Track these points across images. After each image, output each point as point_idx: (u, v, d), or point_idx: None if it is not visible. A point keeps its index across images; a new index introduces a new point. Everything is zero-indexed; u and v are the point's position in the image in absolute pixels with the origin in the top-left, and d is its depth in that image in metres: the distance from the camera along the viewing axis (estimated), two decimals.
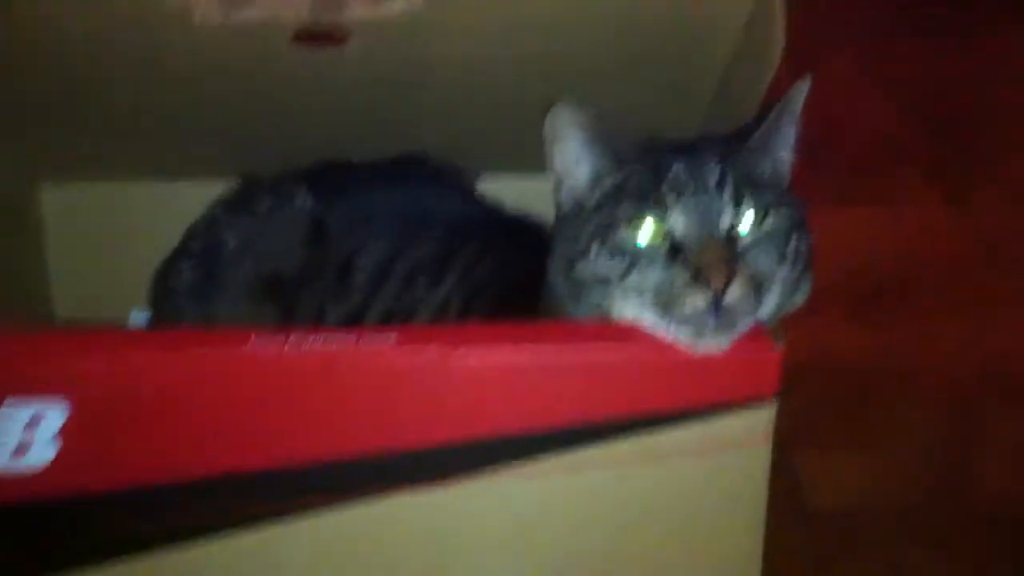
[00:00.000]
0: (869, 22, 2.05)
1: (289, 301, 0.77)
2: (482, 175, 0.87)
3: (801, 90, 0.67)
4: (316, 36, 0.68)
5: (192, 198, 0.86)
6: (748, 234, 0.65)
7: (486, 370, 0.65)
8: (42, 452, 0.65)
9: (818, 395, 1.02)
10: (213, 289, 0.78)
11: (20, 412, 0.65)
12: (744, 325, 0.64)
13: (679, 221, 0.64)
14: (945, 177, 1.46)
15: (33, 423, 0.65)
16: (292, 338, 0.64)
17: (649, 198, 0.65)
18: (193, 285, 0.80)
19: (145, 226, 0.91)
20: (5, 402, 0.65)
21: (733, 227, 0.65)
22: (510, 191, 0.88)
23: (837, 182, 1.44)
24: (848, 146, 1.54)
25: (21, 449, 0.65)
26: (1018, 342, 1.12)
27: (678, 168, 0.65)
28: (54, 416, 0.65)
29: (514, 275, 0.75)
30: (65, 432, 0.65)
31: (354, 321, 0.76)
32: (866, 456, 0.98)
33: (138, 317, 0.96)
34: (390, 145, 0.83)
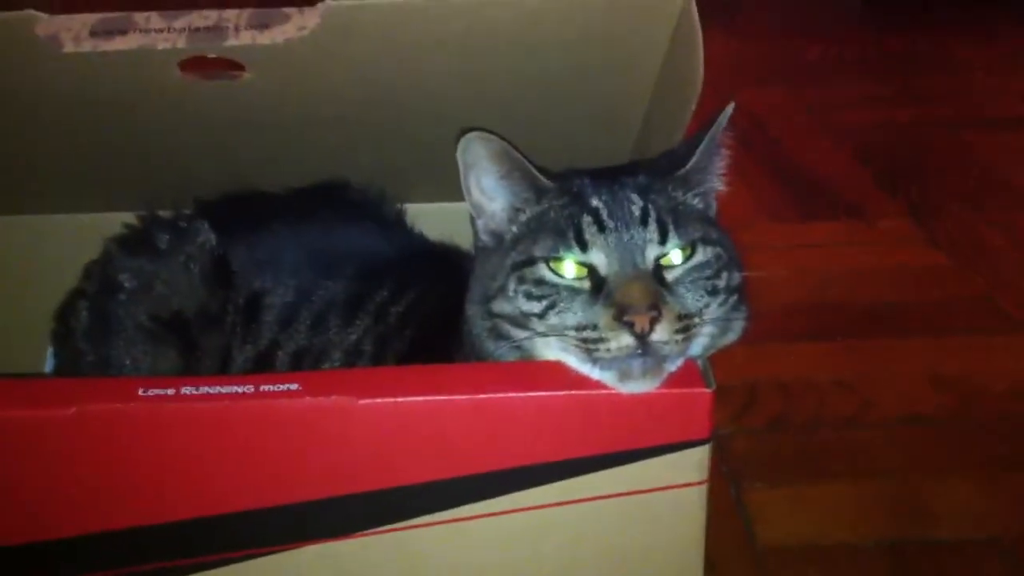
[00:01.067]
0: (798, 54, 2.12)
1: (191, 342, 0.72)
2: (403, 204, 0.83)
3: (726, 115, 0.63)
4: (204, 67, 0.64)
5: (97, 230, 0.81)
6: (675, 270, 0.61)
7: (393, 418, 0.60)
8: None
9: (773, 419, 0.98)
10: (109, 331, 0.73)
11: None
12: (673, 364, 0.60)
13: (600, 257, 0.60)
14: (905, 194, 1.45)
15: None
16: (185, 388, 0.60)
17: (569, 233, 0.61)
18: (89, 326, 0.75)
19: (51, 257, 0.86)
20: None
21: (659, 262, 0.61)
22: (437, 216, 0.84)
23: (799, 200, 1.43)
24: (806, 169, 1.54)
25: None
26: (975, 364, 1.09)
27: (599, 201, 0.61)
28: None
29: (432, 313, 0.71)
30: None
31: (263, 363, 0.71)
32: (820, 487, 0.94)
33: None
34: (309, 174, 0.79)
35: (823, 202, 1.45)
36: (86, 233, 0.79)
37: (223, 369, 0.72)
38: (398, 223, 0.84)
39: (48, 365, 0.94)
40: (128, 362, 0.72)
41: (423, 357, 0.67)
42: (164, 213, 0.78)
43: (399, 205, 0.83)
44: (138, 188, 0.77)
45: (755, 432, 0.94)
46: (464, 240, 0.79)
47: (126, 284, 0.74)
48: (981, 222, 1.38)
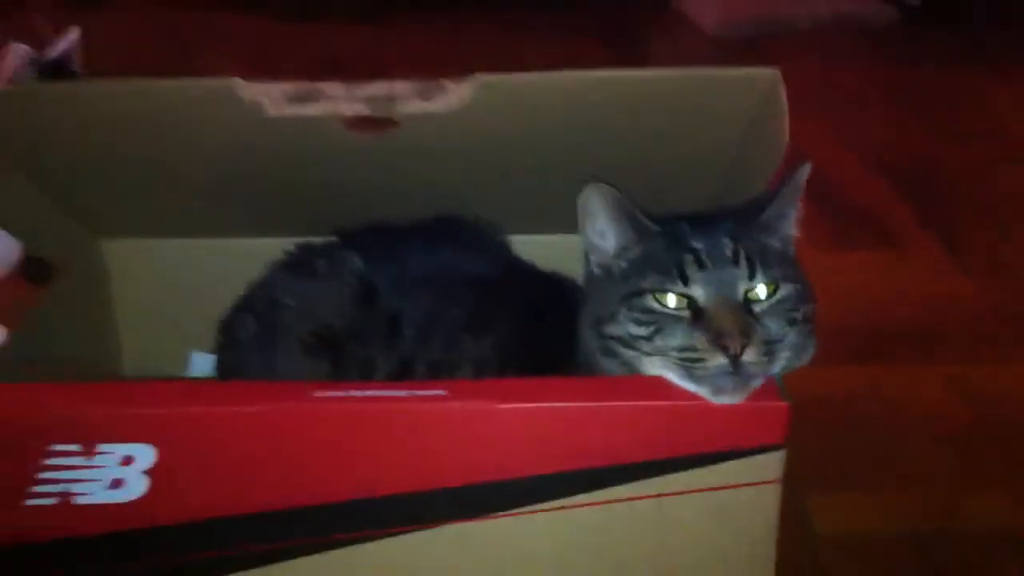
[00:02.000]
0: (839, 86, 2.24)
1: (340, 355, 0.85)
2: (506, 234, 0.96)
3: (803, 174, 0.76)
4: (366, 124, 0.77)
5: (240, 254, 0.95)
6: (761, 303, 0.73)
7: (526, 420, 0.73)
8: (136, 487, 0.74)
9: (818, 433, 1.10)
10: (274, 342, 0.86)
11: (114, 453, 0.73)
12: (757, 382, 0.72)
13: (699, 290, 0.73)
14: (939, 224, 1.57)
15: (128, 462, 0.73)
16: (352, 391, 0.73)
17: (672, 270, 0.74)
18: (255, 337, 0.88)
19: (198, 278, 0.99)
20: (99, 447, 0.73)
21: (747, 296, 0.73)
22: (535, 247, 0.97)
23: (836, 229, 1.55)
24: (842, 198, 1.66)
25: (117, 483, 0.74)
26: (1010, 383, 1.20)
27: (698, 243, 0.74)
28: (144, 456, 0.73)
29: (546, 332, 0.83)
30: (154, 471, 0.73)
31: (403, 374, 0.84)
32: (863, 492, 1.06)
33: (197, 359, 1.05)
34: (428, 208, 0.91)
35: (860, 230, 1.57)
36: (240, 256, 0.93)
37: (366, 379, 0.84)
38: (510, 251, 0.96)
39: (192, 370, 1.08)
40: (290, 369, 0.85)
41: (539, 370, 0.80)
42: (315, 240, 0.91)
43: (504, 234, 0.96)
44: (294, 219, 0.90)
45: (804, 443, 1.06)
46: (564, 267, 0.92)
47: (290, 303, 0.86)
48: (1011, 252, 1.49)
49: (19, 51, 1.16)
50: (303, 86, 0.72)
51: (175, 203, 0.92)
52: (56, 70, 1.20)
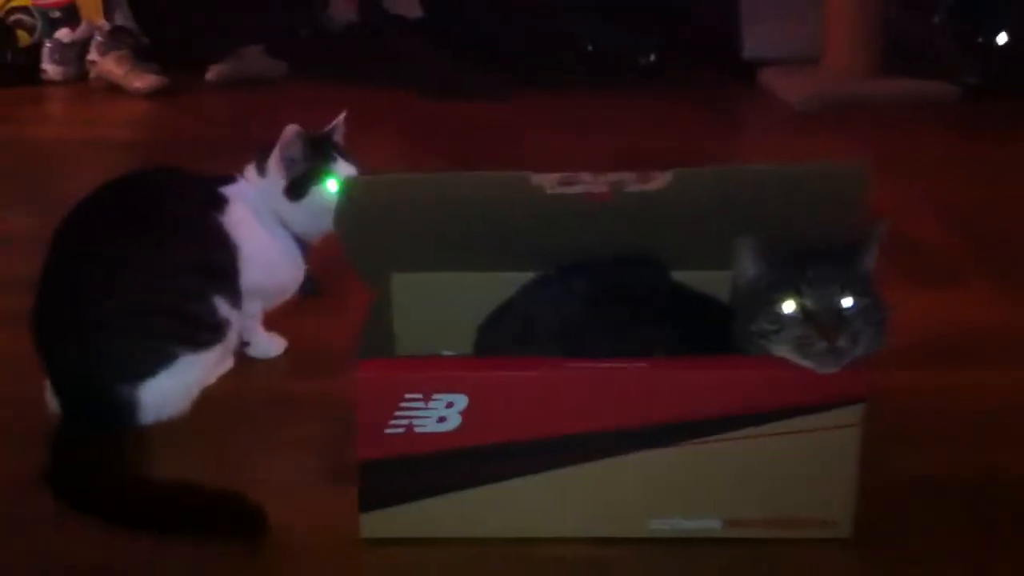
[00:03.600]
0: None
1: (577, 345, 1.28)
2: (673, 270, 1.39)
3: (882, 229, 1.19)
4: (597, 196, 1.22)
5: (491, 284, 1.40)
6: (851, 309, 1.16)
7: (694, 381, 1.17)
8: (453, 421, 1.18)
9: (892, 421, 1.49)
10: (531, 337, 1.29)
11: (442, 400, 1.18)
12: (848, 358, 1.14)
13: (809, 301, 1.16)
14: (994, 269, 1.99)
15: (449, 406, 1.18)
16: (580, 364, 1.17)
17: (793, 288, 1.17)
18: (516, 332, 1.32)
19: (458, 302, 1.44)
20: (434, 396, 1.18)
21: (841, 303, 1.16)
22: (698, 280, 1.37)
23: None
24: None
25: (442, 419, 1.18)
26: None
27: (812, 270, 1.17)
28: (460, 402, 1.18)
29: (711, 330, 1.26)
30: (466, 412, 1.18)
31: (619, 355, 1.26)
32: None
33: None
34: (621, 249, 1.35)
35: (932, 270, 2.00)
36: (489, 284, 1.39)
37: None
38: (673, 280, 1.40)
39: None
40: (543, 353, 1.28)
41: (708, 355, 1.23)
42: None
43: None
44: (532, 258, 1.35)
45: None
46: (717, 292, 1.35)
47: (544, 309, 1.29)
48: None
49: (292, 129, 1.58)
50: (567, 175, 1.17)
51: (447, 247, 1.37)
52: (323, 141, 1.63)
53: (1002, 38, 3.70)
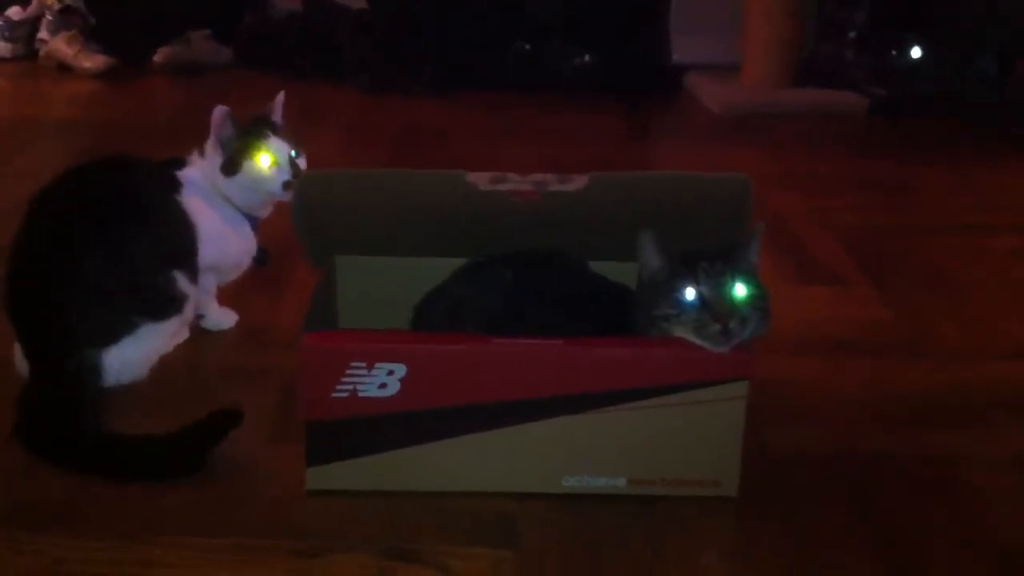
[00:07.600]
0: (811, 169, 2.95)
1: (501, 325, 1.44)
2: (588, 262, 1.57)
3: (761, 230, 1.38)
4: (523, 194, 1.39)
5: (427, 268, 1.56)
6: (741, 297, 1.34)
7: (603, 357, 1.34)
8: (393, 388, 1.34)
9: (782, 403, 1.68)
10: (460, 317, 1.46)
11: (384, 368, 1.34)
12: (737, 339, 1.32)
13: (706, 288, 1.34)
14: (873, 272, 2.20)
15: (390, 373, 1.34)
16: (504, 341, 1.34)
17: (692, 278, 1.34)
18: (445, 313, 1.48)
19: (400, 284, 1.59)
20: (376, 364, 1.34)
21: (732, 292, 1.34)
22: (611, 270, 1.56)
23: (801, 271, 2.19)
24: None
25: (383, 385, 1.34)
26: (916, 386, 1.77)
27: (707, 263, 1.34)
28: (400, 371, 1.34)
29: (616, 314, 1.44)
30: (404, 379, 1.34)
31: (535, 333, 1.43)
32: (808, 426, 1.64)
33: None
34: (545, 241, 1.52)
35: (818, 273, 2.22)
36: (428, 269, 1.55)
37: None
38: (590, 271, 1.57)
39: None
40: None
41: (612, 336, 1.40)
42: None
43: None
44: (464, 247, 1.51)
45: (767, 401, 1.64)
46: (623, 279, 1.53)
47: (469, 294, 1.46)
48: (925, 294, 2.12)
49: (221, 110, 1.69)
50: (498, 174, 1.34)
51: (390, 234, 1.53)
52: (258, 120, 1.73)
53: (915, 52, 3.98)
